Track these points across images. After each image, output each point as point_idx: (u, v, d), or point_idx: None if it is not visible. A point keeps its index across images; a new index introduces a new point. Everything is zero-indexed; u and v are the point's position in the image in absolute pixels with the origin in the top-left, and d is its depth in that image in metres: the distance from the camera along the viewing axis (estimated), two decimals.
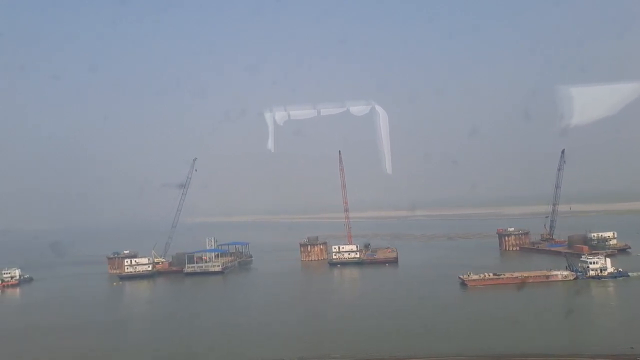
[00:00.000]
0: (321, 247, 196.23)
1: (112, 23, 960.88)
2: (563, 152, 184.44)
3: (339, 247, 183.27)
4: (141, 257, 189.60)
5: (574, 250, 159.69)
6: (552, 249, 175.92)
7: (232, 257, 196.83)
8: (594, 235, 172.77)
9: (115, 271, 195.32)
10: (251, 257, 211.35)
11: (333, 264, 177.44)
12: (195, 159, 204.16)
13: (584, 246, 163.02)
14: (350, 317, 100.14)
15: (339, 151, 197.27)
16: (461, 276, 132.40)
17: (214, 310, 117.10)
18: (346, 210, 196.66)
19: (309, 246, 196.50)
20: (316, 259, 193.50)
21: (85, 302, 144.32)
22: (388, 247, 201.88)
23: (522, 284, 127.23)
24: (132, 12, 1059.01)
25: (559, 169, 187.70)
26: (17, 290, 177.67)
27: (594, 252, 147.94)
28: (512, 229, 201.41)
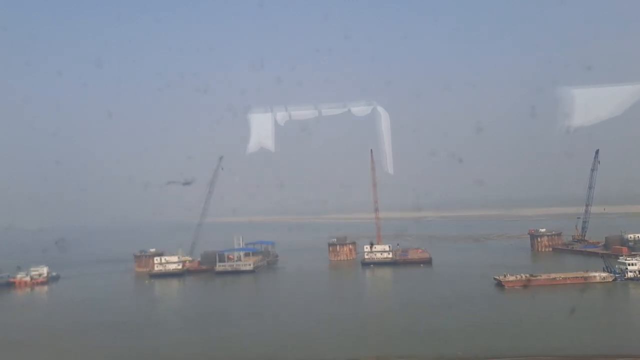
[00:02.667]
0: (350, 247, 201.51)
1: (116, 18, 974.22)
2: (597, 152, 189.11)
3: (370, 247, 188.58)
4: (170, 255, 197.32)
5: (612, 251, 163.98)
6: (588, 250, 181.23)
7: (261, 256, 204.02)
8: (630, 237, 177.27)
9: (142, 269, 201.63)
10: (277, 256, 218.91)
11: (366, 264, 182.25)
12: (222, 157, 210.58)
13: (623, 247, 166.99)
14: (404, 317, 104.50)
15: (371, 150, 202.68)
16: (497, 277, 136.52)
17: (260, 308, 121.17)
18: (376, 210, 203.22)
19: (337, 246, 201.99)
20: (345, 258, 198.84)
21: (122, 300, 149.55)
22: (418, 248, 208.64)
23: (560, 285, 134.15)
24: (136, 7, 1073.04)
25: (592, 170, 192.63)
26: (47, 287, 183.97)
27: (633, 253, 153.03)
28: (543, 230, 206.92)
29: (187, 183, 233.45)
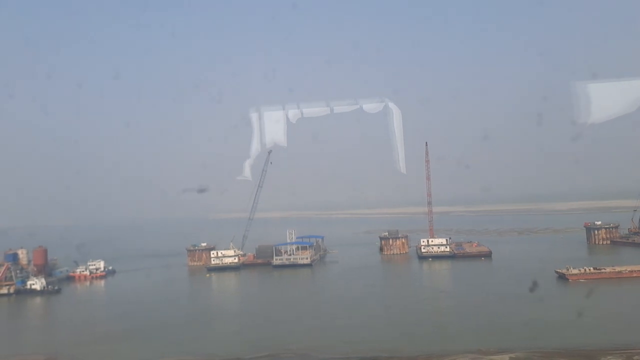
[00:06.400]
0: (403, 240, 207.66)
1: (135, 30, 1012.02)
2: None
3: (427, 241, 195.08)
4: (225, 249, 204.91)
5: None
6: None
7: (314, 250, 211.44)
8: None
9: (195, 263, 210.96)
10: (326, 250, 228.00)
11: (423, 258, 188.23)
12: (270, 151, 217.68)
13: None
14: (483, 310, 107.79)
15: (426, 143, 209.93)
16: (559, 270, 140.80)
17: (346, 300, 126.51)
18: (429, 204, 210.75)
19: (390, 240, 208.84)
20: (398, 252, 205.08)
21: (193, 293, 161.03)
22: (472, 242, 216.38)
23: (627, 278, 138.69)
24: (152, 20, 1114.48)
25: None
26: (105, 281, 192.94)
27: None
28: (599, 223, 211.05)
29: (201, 190, 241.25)
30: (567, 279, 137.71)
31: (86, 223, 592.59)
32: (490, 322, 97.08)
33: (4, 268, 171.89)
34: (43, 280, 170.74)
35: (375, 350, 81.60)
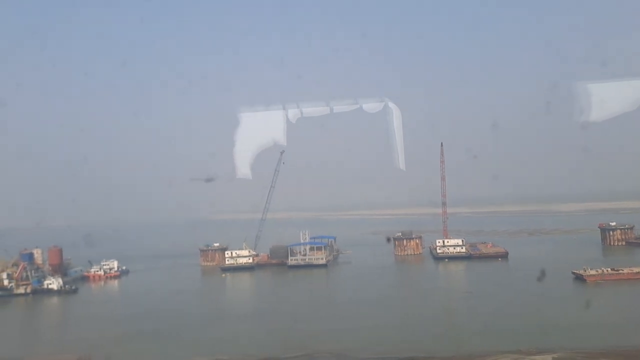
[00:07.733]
0: (417, 241, 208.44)
1: (140, 20, 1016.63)
2: None
3: (443, 242, 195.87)
4: (239, 249, 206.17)
5: None
6: None
7: (328, 251, 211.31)
8: None
9: (208, 263, 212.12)
10: (338, 250, 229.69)
11: (439, 258, 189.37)
12: (283, 151, 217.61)
13: None
14: (509, 311, 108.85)
15: (441, 143, 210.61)
16: (576, 271, 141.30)
17: (365, 301, 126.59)
18: (444, 204, 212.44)
19: (404, 240, 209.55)
20: (412, 253, 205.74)
21: (216, 292, 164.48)
22: (486, 242, 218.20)
23: None
24: (159, 9, 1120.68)
25: None
26: (119, 281, 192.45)
27: None
28: (614, 224, 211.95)
29: (209, 179, 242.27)
30: (585, 280, 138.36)
31: (87, 223, 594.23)
32: (519, 322, 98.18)
33: (20, 268, 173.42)
34: (60, 280, 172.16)
35: (408, 350, 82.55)
